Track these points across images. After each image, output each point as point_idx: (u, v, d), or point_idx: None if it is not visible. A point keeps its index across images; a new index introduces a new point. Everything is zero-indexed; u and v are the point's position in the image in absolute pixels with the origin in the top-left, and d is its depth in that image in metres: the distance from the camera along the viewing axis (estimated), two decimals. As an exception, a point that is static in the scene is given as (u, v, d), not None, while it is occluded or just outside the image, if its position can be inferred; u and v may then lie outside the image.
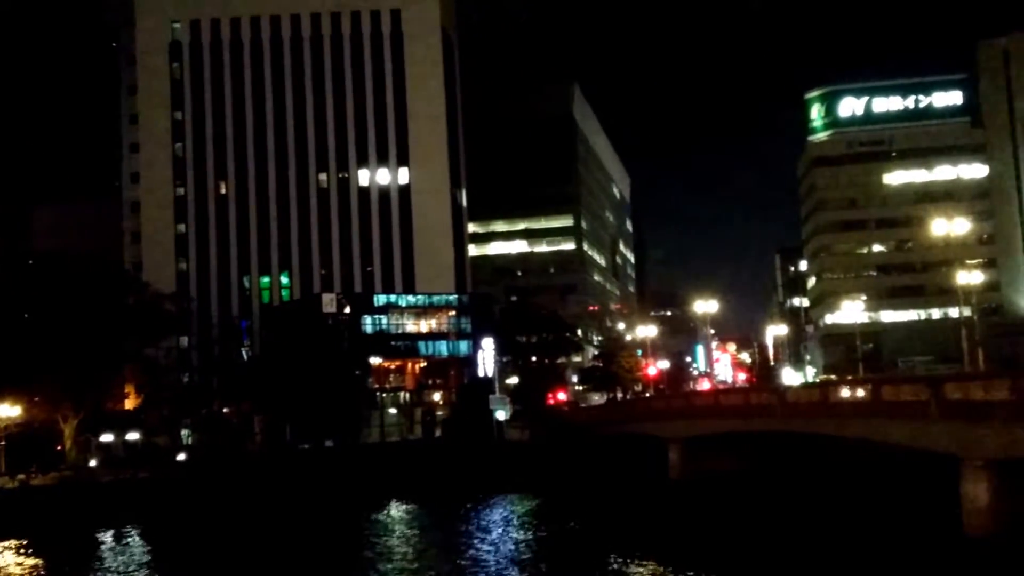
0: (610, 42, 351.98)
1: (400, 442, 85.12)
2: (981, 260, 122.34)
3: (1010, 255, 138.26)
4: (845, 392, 50.13)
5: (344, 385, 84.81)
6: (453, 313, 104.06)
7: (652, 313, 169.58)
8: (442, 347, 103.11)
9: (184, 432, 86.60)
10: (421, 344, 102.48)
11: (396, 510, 63.25)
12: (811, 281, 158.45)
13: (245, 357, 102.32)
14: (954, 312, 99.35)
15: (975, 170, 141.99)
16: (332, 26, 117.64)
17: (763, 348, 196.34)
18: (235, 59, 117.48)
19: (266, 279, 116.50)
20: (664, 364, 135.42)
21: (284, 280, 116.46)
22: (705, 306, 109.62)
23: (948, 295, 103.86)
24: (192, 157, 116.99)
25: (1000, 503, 35.89)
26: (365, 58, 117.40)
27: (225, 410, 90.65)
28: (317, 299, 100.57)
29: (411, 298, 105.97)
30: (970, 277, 79.90)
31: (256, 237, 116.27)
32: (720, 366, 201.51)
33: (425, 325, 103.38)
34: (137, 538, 55.00)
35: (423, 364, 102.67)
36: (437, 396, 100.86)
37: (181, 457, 76.69)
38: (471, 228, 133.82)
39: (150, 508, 60.58)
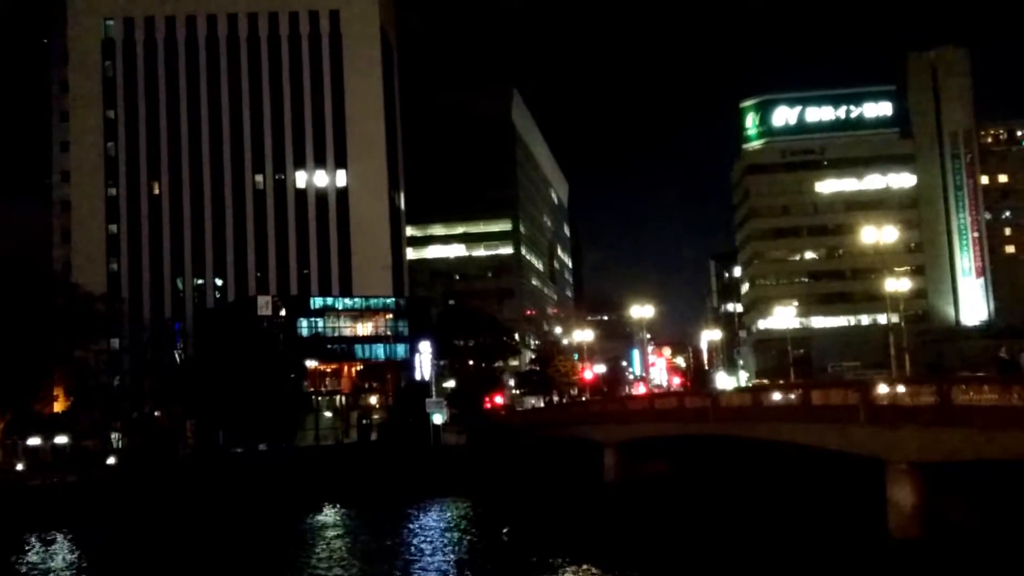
0: (549, 48, 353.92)
1: (335, 446, 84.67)
2: (909, 268, 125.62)
3: (936, 263, 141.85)
4: (776, 396, 51.00)
5: (279, 388, 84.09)
6: (390, 316, 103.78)
7: (589, 318, 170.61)
8: (379, 350, 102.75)
9: (114, 436, 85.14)
10: (358, 347, 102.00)
11: (330, 514, 62.82)
12: (745, 287, 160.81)
13: (178, 360, 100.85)
14: (882, 318, 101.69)
15: (904, 180, 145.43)
16: (270, 26, 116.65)
17: (698, 353, 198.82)
18: (170, 58, 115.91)
19: (200, 281, 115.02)
20: (600, 368, 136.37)
21: (218, 282, 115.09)
22: (641, 311, 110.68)
23: (876, 302, 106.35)
24: (125, 156, 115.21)
25: (926, 506, 36.78)
26: (303, 59, 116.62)
27: (156, 413, 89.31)
28: (252, 301, 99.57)
29: (348, 301, 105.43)
30: (898, 284, 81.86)
31: (190, 238, 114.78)
32: (655, 370, 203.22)
33: (362, 328, 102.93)
34: (65, 543, 53.90)
35: (360, 367, 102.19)
36: (374, 399, 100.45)
37: (111, 461, 75.50)
38: (409, 231, 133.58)
39: (79, 512, 59.38)
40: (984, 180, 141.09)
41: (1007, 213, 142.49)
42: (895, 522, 37.32)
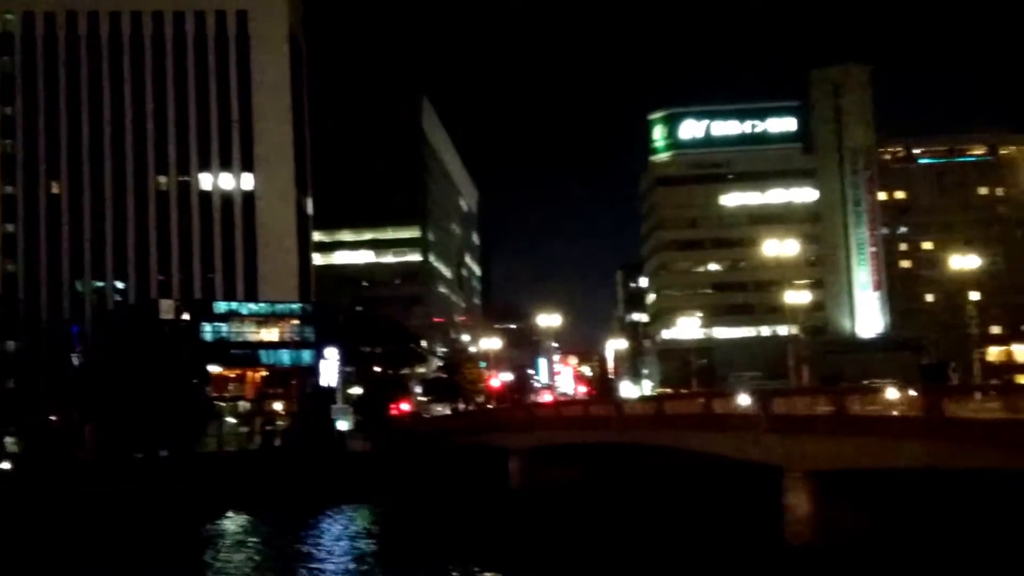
0: (460, 56, 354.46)
1: (238, 452, 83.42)
2: (809, 281, 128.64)
3: (835, 277, 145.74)
4: (678, 405, 51.97)
5: (181, 393, 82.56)
6: (296, 322, 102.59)
7: (497, 326, 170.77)
8: (284, 356, 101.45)
9: (8, 440, 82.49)
10: (263, 353, 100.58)
11: (232, 521, 61.83)
12: (650, 297, 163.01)
13: (76, 363, 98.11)
14: (783, 330, 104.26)
15: (806, 194, 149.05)
16: (175, 25, 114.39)
17: (603, 362, 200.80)
18: (71, 54, 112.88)
19: (100, 283, 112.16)
20: (508, 376, 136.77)
21: (119, 285, 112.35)
22: (548, 320, 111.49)
23: (777, 313, 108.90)
24: (23, 154, 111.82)
25: (820, 513, 37.82)
26: (209, 59, 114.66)
27: (53, 418, 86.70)
28: (154, 305, 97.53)
29: (253, 306, 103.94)
30: (798, 297, 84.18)
31: (90, 239, 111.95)
32: (562, 379, 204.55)
33: (267, 333, 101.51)
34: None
35: (264, 373, 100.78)
36: (278, 406, 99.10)
37: (5, 466, 73.27)
38: (317, 237, 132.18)
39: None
40: (882, 196, 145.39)
41: (903, 229, 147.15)
42: (791, 528, 38.34)
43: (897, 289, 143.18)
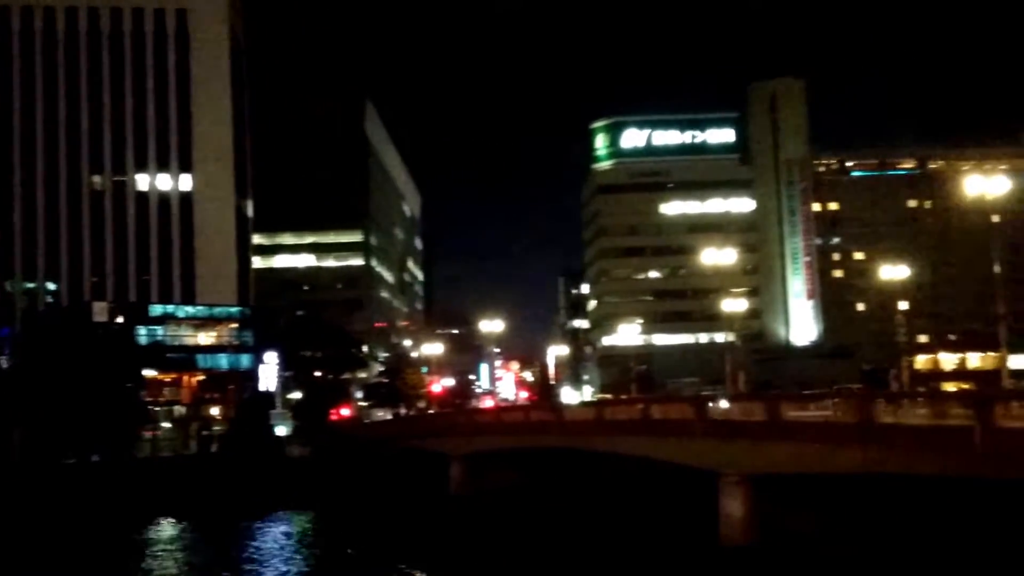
0: (405, 60, 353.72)
1: (173, 457, 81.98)
2: (745, 289, 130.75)
3: (771, 285, 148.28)
4: (618, 410, 52.38)
5: (114, 397, 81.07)
6: (235, 325, 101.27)
7: (439, 331, 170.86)
8: (222, 360, 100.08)
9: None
10: (200, 357, 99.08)
11: (166, 528, 60.85)
12: (591, 304, 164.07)
13: (4, 366, 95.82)
14: (720, 337, 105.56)
15: (743, 204, 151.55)
16: (112, 22, 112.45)
17: (544, 367, 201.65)
18: (3, 50, 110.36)
19: (31, 284, 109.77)
20: (449, 381, 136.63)
21: (51, 286, 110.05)
22: (491, 325, 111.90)
23: (715, 321, 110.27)
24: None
25: (753, 515, 38.51)
26: (147, 57, 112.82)
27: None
28: (87, 307, 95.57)
29: (190, 309, 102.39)
30: (735, 305, 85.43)
31: (21, 239, 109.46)
32: (503, 384, 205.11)
33: (204, 337, 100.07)
34: None
35: (201, 377, 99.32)
36: (215, 411, 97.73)
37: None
38: (257, 240, 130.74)
39: None
40: (816, 207, 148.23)
41: (836, 239, 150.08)
42: (726, 530, 38.95)
43: (830, 298, 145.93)
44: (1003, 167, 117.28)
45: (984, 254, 55.10)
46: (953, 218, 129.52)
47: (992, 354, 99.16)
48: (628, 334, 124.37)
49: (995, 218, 53.86)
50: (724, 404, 45.70)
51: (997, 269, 51.71)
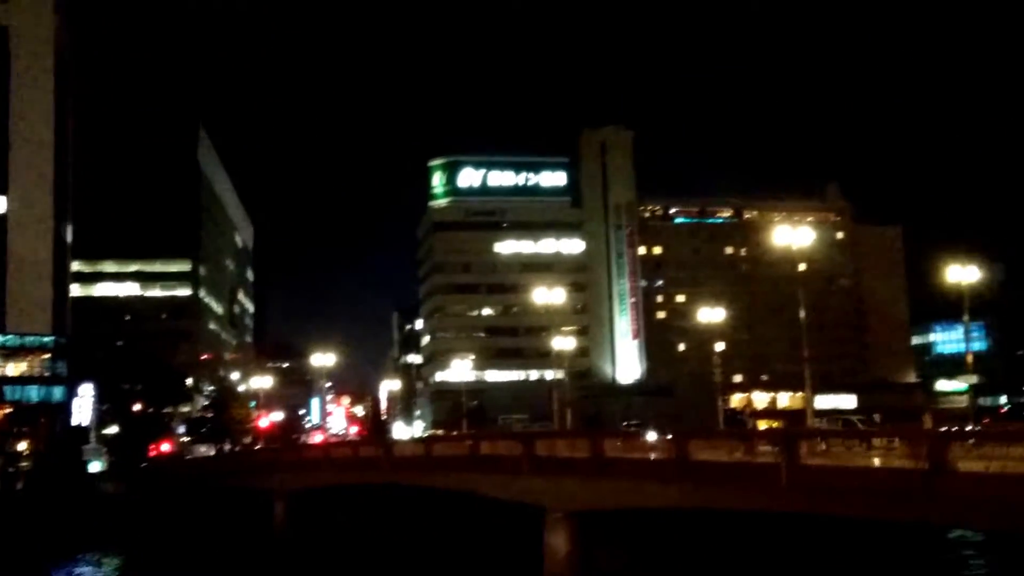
0: (240, 89, 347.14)
1: (-27, 496, 76.96)
2: (575, 328, 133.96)
3: (599, 325, 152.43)
4: (448, 446, 52.68)
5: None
6: (47, 356, 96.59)
7: (269, 364, 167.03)
8: (32, 392, 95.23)
9: None
10: (8, 388, 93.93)
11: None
12: (425, 339, 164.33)
13: None
14: (549, 374, 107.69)
15: (574, 245, 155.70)
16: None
17: (376, 402, 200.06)
18: None
19: None
20: (279, 416, 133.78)
21: None
22: (323, 359, 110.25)
23: (545, 358, 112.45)
24: None
25: (577, 551, 39.37)
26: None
27: None
28: None
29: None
30: (564, 343, 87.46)
31: None
32: (334, 419, 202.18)
33: (14, 368, 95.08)
34: None
35: (8, 410, 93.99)
36: (22, 446, 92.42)
37: None
38: (77, 267, 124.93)
39: None
40: (642, 251, 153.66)
41: (660, 282, 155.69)
42: (550, 568, 39.66)
43: (654, 338, 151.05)
44: (809, 219, 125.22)
45: (793, 300, 58.36)
46: (764, 266, 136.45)
47: (799, 394, 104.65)
48: (460, 370, 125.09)
49: (801, 266, 57.22)
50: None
51: (802, 315, 54.94)
